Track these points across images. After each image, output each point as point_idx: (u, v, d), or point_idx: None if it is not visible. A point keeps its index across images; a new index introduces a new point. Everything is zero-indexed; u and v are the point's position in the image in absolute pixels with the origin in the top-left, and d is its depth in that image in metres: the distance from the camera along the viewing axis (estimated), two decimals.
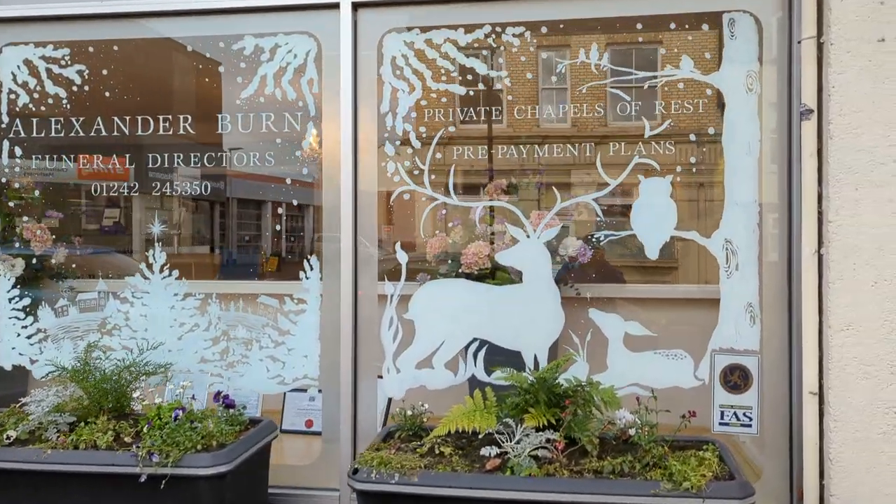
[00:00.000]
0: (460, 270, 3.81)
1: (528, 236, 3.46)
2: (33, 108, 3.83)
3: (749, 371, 3.27)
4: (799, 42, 3.07)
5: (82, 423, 3.07)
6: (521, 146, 3.57)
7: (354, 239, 3.52)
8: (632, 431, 2.89)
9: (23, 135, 3.84)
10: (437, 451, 2.84)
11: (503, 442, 2.82)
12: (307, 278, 3.62)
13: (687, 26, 3.37)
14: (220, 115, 3.72)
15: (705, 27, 3.34)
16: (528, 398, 2.93)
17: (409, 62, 3.55)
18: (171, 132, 3.73)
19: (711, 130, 3.33)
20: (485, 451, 2.75)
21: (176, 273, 3.74)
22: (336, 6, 3.50)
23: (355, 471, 2.70)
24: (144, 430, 2.94)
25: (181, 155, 3.78)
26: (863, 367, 2.88)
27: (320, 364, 3.62)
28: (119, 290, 3.78)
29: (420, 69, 3.54)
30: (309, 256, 3.62)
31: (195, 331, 3.72)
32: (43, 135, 3.84)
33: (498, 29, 3.46)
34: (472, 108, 3.58)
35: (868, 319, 2.88)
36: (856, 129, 2.89)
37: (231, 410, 3.22)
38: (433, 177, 3.53)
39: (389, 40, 3.55)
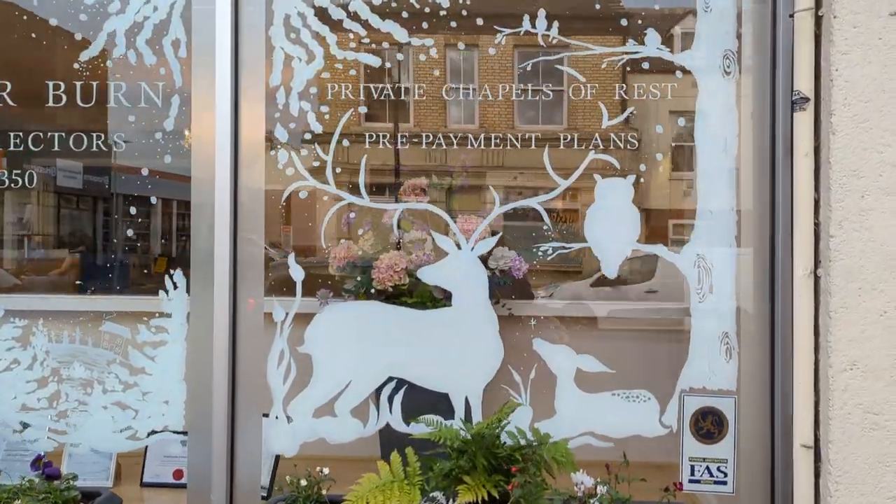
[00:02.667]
0: (371, 289, 3.08)
1: (459, 248, 2.75)
2: None
3: (724, 416, 2.69)
4: (791, 15, 2.51)
5: None
6: (448, 137, 2.85)
7: (233, 247, 2.69)
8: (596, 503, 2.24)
9: None
10: None
11: None
12: (169, 298, 2.76)
13: None
14: (49, 83, 2.80)
15: None
16: (462, 463, 2.22)
17: (308, 22, 2.76)
18: None
19: (682, 122, 2.73)
20: None
21: None
22: None
23: None
24: None
25: None
26: (870, 417, 2.34)
27: (186, 412, 2.76)
28: None
29: (322, 32, 2.76)
30: (172, 270, 2.76)
31: (14, 369, 2.78)
32: None
33: None
34: (387, 85, 2.82)
35: (876, 357, 2.34)
36: (863, 122, 2.35)
37: (55, 483, 2.34)
38: (338, 171, 2.76)
39: None
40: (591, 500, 2.25)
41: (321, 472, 2.45)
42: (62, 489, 2.37)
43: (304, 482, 2.39)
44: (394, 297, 3.05)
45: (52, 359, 2.78)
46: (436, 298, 3.17)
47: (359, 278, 2.97)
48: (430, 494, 2.19)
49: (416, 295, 3.10)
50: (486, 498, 2.15)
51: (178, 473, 3.49)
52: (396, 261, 3.18)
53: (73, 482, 2.43)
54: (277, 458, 3.38)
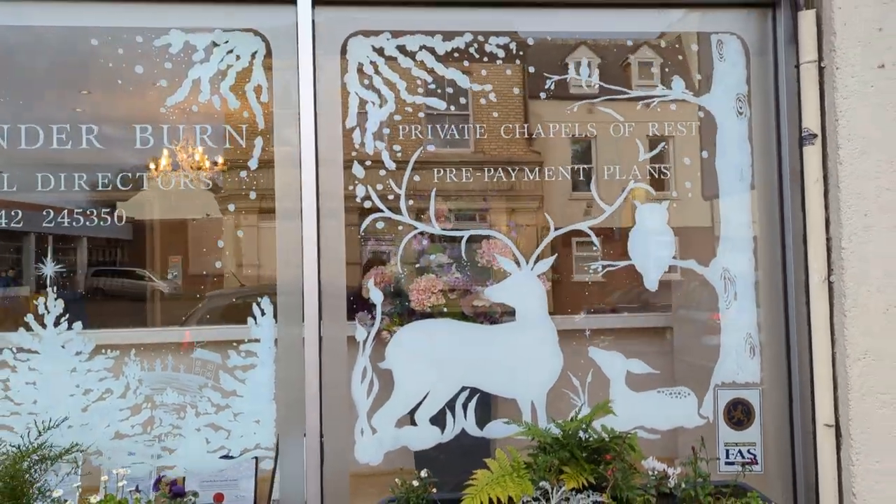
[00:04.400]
0: (411, 307, 3.38)
1: (519, 268, 3.10)
2: None
3: (751, 405, 3.13)
4: (797, 66, 3.02)
5: None
6: (509, 169, 3.20)
7: (318, 275, 2.93)
8: (671, 483, 2.61)
9: None
10: None
11: None
12: (258, 324, 2.97)
13: (677, 46, 3.22)
14: (136, 127, 2.98)
15: (694, 47, 3.22)
16: (562, 455, 2.54)
17: (380, 70, 3.06)
18: (68, 145, 2.92)
19: (705, 154, 3.19)
20: None
21: (78, 325, 2.91)
22: (293, 1, 2.93)
23: None
24: None
25: (83, 175, 2.97)
26: (881, 396, 2.83)
27: (277, 430, 2.97)
28: None
29: (393, 79, 3.07)
30: (259, 299, 2.98)
31: (107, 399, 2.91)
32: None
33: (480, 38, 3.10)
34: (453, 126, 3.15)
35: (883, 346, 2.84)
36: (863, 154, 2.87)
37: (179, 500, 2.51)
38: (410, 202, 3.06)
39: (355, 44, 3.04)
40: (667, 480, 2.62)
41: (424, 473, 2.70)
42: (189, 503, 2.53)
43: (415, 483, 2.64)
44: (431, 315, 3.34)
45: (145, 386, 2.93)
46: (466, 315, 3.51)
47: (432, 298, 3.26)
48: (539, 484, 2.49)
49: (448, 314, 3.42)
50: (585, 484, 2.48)
51: (218, 497, 3.63)
52: (433, 283, 3.48)
53: (195, 499, 2.58)
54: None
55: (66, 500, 2.42)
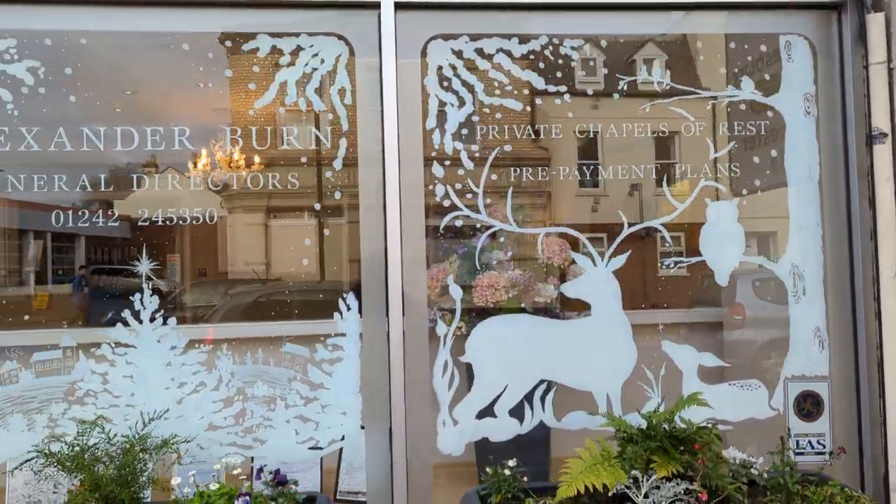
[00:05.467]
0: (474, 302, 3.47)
1: (595, 265, 3.18)
2: None
3: (820, 397, 3.22)
4: (866, 67, 3.09)
5: None
6: (582, 167, 3.29)
7: (401, 271, 3.03)
8: (755, 472, 2.70)
9: None
10: None
11: (636, 498, 2.51)
12: (343, 319, 3.07)
13: (746, 46, 3.30)
14: (227, 129, 3.08)
15: (763, 48, 3.29)
16: (650, 445, 2.63)
17: (458, 73, 3.15)
18: (162, 147, 3.03)
19: (774, 153, 3.27)
20: None
21: (173, 321, 3.02)
22: (376, 6, 3.03)
23: None
24: None
25: (176, 176, 3.07)
26: None
27: (363, 421, 3.07)
28: (93, 345, 2.98)
29: (470, 81, 3.16)
30: (345, 294, 3.08)
31: (200, 391, 3.02)
32: None
33: (556, 40, 3.18)
34: (528, 126, 3.24)
35: None
36: None
37: (282, 488, 2.61)
38: (488, 201, 3.16)
39: (435, 47, 3.14)
40: (752, 469, 2.70)
41: (512, 462, 2.79)
42: (293, 494, 2.62)
43: (507, 472, 2.73)
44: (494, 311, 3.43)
45: (237, 379, 3.03)
46: (525, 311, 3.61)
47: (510, 295, 3.36)
48: (631, 473, 2.58)
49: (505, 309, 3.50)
50: (674, 472, 2.57)
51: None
52: (495, 280, 3.57)
53: (296, 487, 2.68)
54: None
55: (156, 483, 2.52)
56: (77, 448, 2.52)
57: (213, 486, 2.45)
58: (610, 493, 2.54)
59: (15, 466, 2.54)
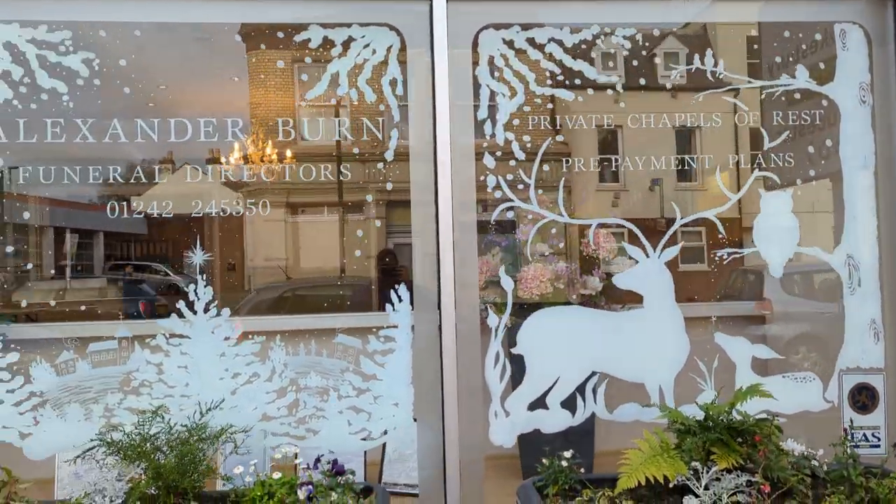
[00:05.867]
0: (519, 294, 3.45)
1: (647, 256, 3.16)
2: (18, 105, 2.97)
3: (876, 390, 3.18)
4: None
5: None
6: (633, 159, 3.27)
7: (453, 263, 3.02)
8: (815, 463, 2.67)
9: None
10: None
11: (697, 490, 2.49)
12: (395, 311, 3.07)
13: (801, 35, 3.26)
14: (279, 120, 3.08)
15: (818, 37, 3.25)
16: (710, 437, 2.61)
17: (510, 63, 3.14)
18: (215, 138, 3.03)
19: (828, 142, 3.23)
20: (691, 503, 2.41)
21: (227, 312, 3.03)
22: None
23: None
24: None
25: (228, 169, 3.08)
26: None
27: (414, 413, 3.07)
28: (148, 336, 3.00)
29: (522, 71, 3.14)
30: (396, 286, 3.07)
31: (254, 382, 3.03)
32: (34, 140, 2.98)
33: (607, 29, 3.16)
34: (580, 116, 3.22)
35: None
36: None
37: (342, 479, 2.61)
38: (539, 192, 3.14)
39: (486, 38, 3.12)
40: (813, 461, 2.68)
41: (568, 454, 2.78)
42: (350, 482, 2.63)
43: (564, 463, 2.72)
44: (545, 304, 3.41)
45: (290, 370, 3.04)
46: (570, 303, 3.60)
47: (556, 287, 3.34)
48: (691, 464, 2.57)
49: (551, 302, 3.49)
50: (735, 464, 2.55)
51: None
52: (542, 272, 3.56)
53: (353, 476, 2.69)
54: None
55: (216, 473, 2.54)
56: (138, 437, 2.53)
57: (276, 476, 2.45)
58: (671, 485, 2.52)
59: (77, 455, 2.56)
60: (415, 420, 3.06)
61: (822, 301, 3.54)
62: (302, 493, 2.35)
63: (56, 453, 3.12)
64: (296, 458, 2.72)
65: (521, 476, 3.56)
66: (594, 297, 3.73)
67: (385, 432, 3.07)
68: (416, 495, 3.21)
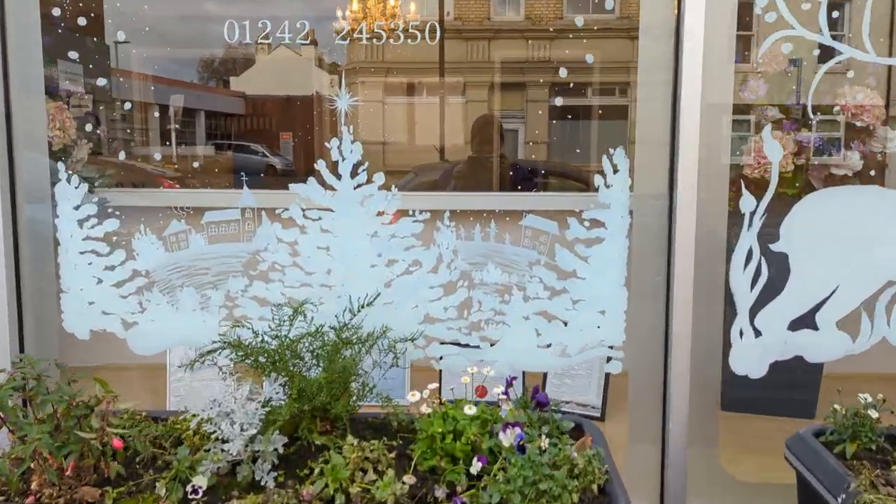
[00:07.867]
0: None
1: None
2: None
3: None
4: None
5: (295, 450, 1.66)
6: None
7: (700, 117, 2.10)
8: None
9: None
10: None
11: None
12: (606, 185, 2.19)
13: None
14: None
15: None
16: None
17: None
18: None
19: None
20: None
21: (380, 179, 2.25)
22: None
23: None
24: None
25: None
26: None
27: (626, 325, 2.24)
28: (279, 206, 2.27)
29: None
30: (611, 150, 2.18)
31: (414, 273, 2.28)
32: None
33: None
34: None
35: None
36: None
37: (545, 414, 1.86)
38: (835, 14, 2.12)
39: None
40: None
41: (867, 397, 1.94)
42: (557, 420, 1.90)
43: (873, 412, 1.88)
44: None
45: (461, 260, 2.26)
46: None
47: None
48: None
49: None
50: None
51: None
52: (781, 139, 2.56)
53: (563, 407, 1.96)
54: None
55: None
56: (276, 341, 1.84)
57: (470, 410, 1.71)
58: None
59: (195, 359, 1.91)
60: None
61: None
62: (508, 439, 1.61)
63: (168, 349, 2.55)
64: (486, 377, 1.97)
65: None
66: (849, 179, 2.75)
67: (585, 348, 2.27)
68: (598, 418, 2.47)
